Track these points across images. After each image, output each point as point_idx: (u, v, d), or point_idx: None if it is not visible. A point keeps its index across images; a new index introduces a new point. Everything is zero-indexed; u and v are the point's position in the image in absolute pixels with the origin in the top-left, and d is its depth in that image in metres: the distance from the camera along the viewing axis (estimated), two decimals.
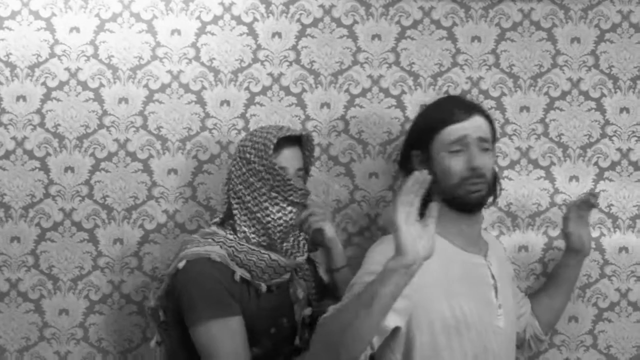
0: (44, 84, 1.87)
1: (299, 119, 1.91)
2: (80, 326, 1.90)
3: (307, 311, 1.69)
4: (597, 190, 1.93)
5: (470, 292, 1.54)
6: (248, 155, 1.61)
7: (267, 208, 1.60)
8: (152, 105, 1.89)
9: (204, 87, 1.90)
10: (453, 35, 1.93)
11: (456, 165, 1.54)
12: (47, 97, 1.88)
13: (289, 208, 1.62)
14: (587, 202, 1.74)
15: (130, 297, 1.91)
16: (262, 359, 1.58)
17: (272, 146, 1.58)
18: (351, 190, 1.93)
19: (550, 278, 1.85)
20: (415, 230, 1.29)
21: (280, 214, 1.61)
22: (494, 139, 1.62)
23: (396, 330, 1.47)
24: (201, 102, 1.90)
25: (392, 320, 1.43)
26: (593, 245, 1.93)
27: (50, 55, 1.87)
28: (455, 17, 1.93)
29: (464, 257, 1.57)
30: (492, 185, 1.60)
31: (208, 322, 1.51)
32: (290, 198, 1.61)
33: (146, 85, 1.89)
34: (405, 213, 1.29)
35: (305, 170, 1.70)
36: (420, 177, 1.29)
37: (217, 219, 1.67)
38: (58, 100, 1.87)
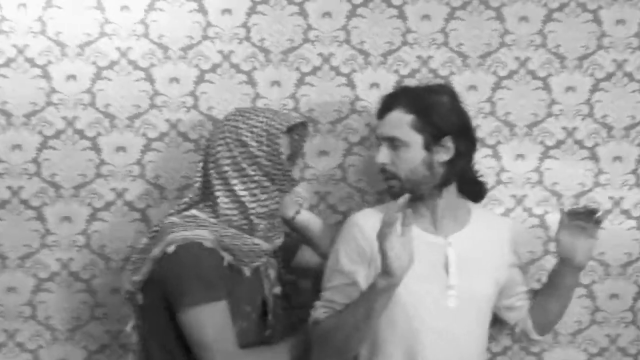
0: None
1: (249, 97, 1.91)
2: (29, 304, 1.90)
3: (277, 290, 1.70)
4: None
5: (417, 270, 1.55)
6: (244, 139, 1.57)
7: (255, 195, 1.58)
8: (100, 83, 1.87)
9: (152, 64, 1.88)
10: (403, 13, 1.93)
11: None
12: None
13: (277, 198, 1.61)
14: (586, 214, 1.63)
15: (79, 275, 1.90)
16: (238, 338, 1.57)
17: (281, 135, 1.56)
18: (302, 168, 1.93)
19: (547, 281, 1.79)
20: (398, 247, 1.42)
21: (267, 202, 1.60)
22: (427, 130, 1.60)
23: None
24: (150, 79, 1.89)
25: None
26: (537, 222, 1.97)
27: None
28: None
29: (421, 237, 1.61)
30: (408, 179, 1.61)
31: (199, 306, 1.49)
32: (283, 187, 1.61)
33: (94, 63, 1.87)
34: (389, 236, 1.41)
35: (296, 156, 1.73)
36: (401, 202, 1.42)
37: (187, 199, 1.63)
38: (5, 77, 1.85)
